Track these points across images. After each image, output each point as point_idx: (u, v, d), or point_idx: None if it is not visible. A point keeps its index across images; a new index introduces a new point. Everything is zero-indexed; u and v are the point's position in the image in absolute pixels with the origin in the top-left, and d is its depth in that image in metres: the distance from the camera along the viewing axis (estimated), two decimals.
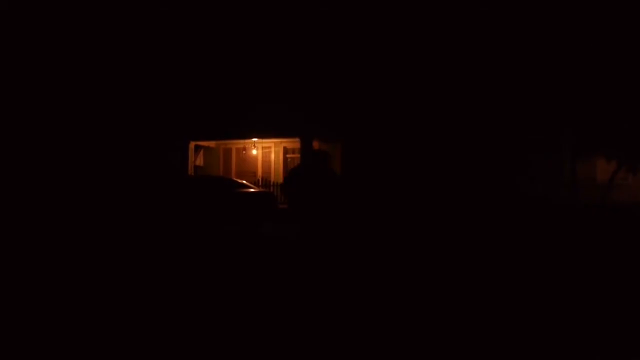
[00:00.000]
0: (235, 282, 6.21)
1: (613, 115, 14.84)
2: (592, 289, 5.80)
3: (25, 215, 13.51)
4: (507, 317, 4.63)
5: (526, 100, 15.64)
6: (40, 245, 9.41)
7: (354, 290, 5.58)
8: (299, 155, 19.12)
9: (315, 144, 18.67)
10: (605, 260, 7.70)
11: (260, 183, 19.34)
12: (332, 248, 5.22)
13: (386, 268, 7.08)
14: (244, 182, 16.26)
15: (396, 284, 6.03)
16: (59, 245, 9.43)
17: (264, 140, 20.48)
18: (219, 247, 9.43)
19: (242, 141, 20.58)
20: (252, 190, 15.19)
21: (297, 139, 18.71)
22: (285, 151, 20.82)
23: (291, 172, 5.66)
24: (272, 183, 19.29)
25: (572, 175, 16.54)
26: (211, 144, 21.33)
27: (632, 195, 17.08)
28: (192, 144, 20.19)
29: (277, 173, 20.47)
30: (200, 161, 21.46)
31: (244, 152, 21.17)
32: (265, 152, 21.12)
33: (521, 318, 4.58)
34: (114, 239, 10.41)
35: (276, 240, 10.01)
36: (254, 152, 21.06)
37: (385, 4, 16.45)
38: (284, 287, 5.78)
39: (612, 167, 16.32)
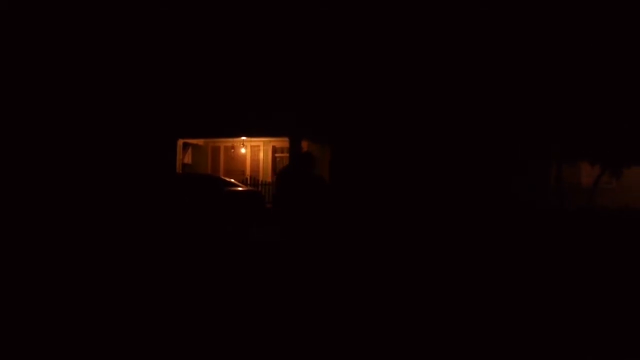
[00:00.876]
0: (218, 285, 6.19)
1: (595, 125, 15.12)
2: (579, 289, 5.88)
3: (9, 212, 13.32)
4: (493, 321, 4.68)
5: (515, 112, 15.83)
6: (21, 242, 9.30)
7: (333, 297, 5.59)
8: (287, 155, 19.11)
9: (304, 145, 18.64)
10: (588, 260, 7.82)
11: (248, 182, 19.28)
12: (315, 252, 5.22)
13: (370, 272, 7.11)
14: (232, 180, 16.21)
15: (378, 289, 6.06)
16: (39, 241, 9.33)
17: (253, 139, 20.42)
18: (205, 248, 9.39)
19: (230, 139, 20.50)
20: (240, 189, 15.14)
21: (286, 139, 18.68)
22: (274, 150, 20.79)
23: (280, 173, 5.64)
24: (260, 182, 19.25)
25: (558, 180, 16.77)
26: (200, 141, 21.21)
27: (616, 200, 17.33)
28: (180, 142, 20.05)
29: (265, 172, 20.43)
30: (188, 159, 21.33)
31: (232, 150, 21.10)
32: (254, 151, 21.07)
33: (509, 321, 4.63)
34: (95, 236, 10.30)
35: (262, 244, 9.97)
36: (243, 150, 21.00)
37: (378, 6, 16.49)
38: (264, 291, 5.77)
39: (596, 171, 16.55)
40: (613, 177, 16.39)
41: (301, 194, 5.00)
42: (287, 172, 5.33)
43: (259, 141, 20.64)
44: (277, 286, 5.72)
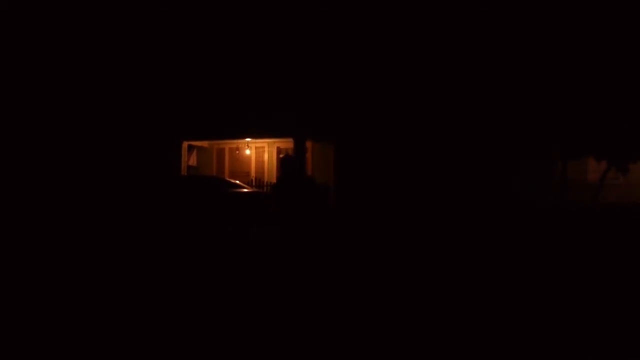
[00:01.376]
0: (217, 286, 6.23)
1: (599, 121, 15.02)
2: (579, 289, 5.86)
3: (14, 212, 13.44)
4: (487, 321, 4.68)
5: (516, 110, 15.76)
6: (24, 242, 9.38)
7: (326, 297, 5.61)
8: (292, 155, 19.13)
9: (309, 144, 18.68)
10: (587, 260, 7.79)
11: (253, 183, 19.33)
12: (314, 250, 5.25)
13: (371, 270, 7.12)
14: (237, 182, 16.28)
15: (379, 287, 6.07)
16: (42, 241, 9.41)
17: (258, 140, 20.47)
18: (210, 248, 9.44)
19: (235, 141, 20.55)
20: (245, 190, 15.21)
21: (291, 139, 18.72)
22: (279, 151, 20.81)
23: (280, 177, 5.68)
24: (265, 183, 19.30)
25: (563, 177, 16.67)
26: (204, 143, 21.29)
27: (623, 195, 17.21)
28: (185, 144, 20.15)
29: (270, 173, 20.46)
30: (193, 161, 21.41)
31: (237, 152, 21.15)
32: (258, 152, 21.11)
33: (505, 322, 4.63)
34: (100, 236, 10.38)
35: (262, 244, 10.00)
36: (248, 152, 21.05)
37: (379, 5, 16.47)
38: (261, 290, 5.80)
39: (602, 166, 16.43)
40: (619, 172, 16.27)
41: (295, 193, 5.05)
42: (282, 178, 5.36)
43: (263, 142, 20.69)
44: (276, 286, 5.75)
